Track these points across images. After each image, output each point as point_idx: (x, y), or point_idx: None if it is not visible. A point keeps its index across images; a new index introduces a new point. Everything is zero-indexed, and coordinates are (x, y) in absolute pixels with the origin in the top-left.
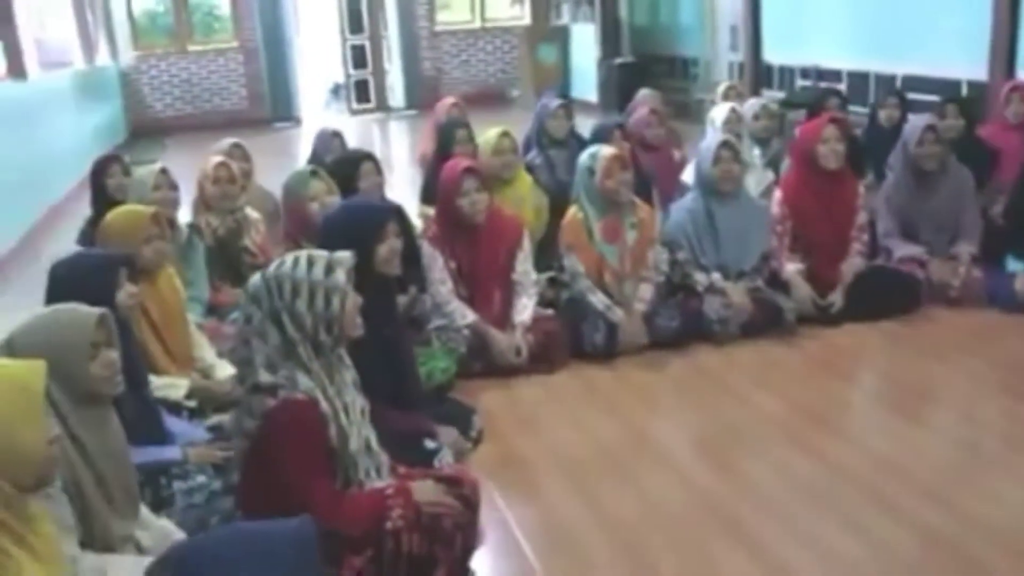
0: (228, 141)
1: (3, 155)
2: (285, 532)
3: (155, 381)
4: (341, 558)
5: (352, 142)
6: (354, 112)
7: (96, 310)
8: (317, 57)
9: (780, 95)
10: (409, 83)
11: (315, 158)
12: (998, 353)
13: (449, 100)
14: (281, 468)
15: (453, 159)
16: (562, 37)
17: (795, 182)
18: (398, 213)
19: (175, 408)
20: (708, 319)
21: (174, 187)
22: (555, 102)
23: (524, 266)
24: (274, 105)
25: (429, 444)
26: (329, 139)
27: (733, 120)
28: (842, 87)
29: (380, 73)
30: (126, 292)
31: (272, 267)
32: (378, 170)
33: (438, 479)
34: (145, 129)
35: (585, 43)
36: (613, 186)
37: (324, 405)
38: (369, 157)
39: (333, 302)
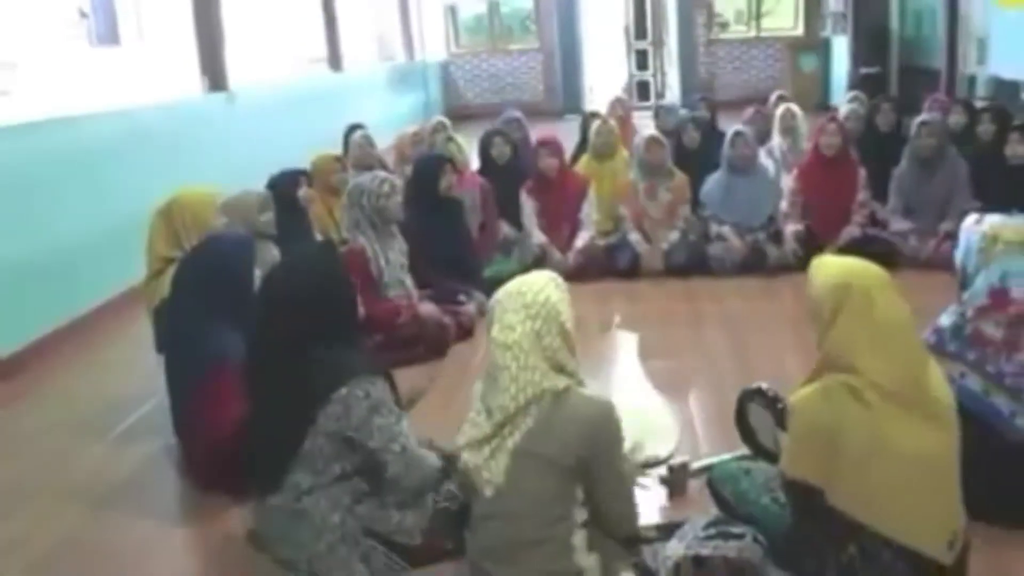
0: (436, 118)
1: (321, 126)
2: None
3: None
4: (371, 332)
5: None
6: (635, 108)
7: (261, 192)
8: (606, 60)
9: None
10: (684, 85)
11: (499, 128)
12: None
13: (614, 97)
14: None
15: (541, 136)
16: (823, 48)
17: (807, 165)
18: (451, 162)
19: None
20: (710, 257)
21: (372, 145)
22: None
23: (586, 210)
24: (565, 99)
25: (461, 298)
26: (510, 119)
27: (787, 117)
28: None
29: (660, 75)
30: (304, 191)
31: (359, 178)
32: (506, 142)
33: (444, 309)
34: (457, 113)
35: (843, 54)
36: (649, 158)
37: (369, 252)
38: (501, 134)
39: (382, 200)
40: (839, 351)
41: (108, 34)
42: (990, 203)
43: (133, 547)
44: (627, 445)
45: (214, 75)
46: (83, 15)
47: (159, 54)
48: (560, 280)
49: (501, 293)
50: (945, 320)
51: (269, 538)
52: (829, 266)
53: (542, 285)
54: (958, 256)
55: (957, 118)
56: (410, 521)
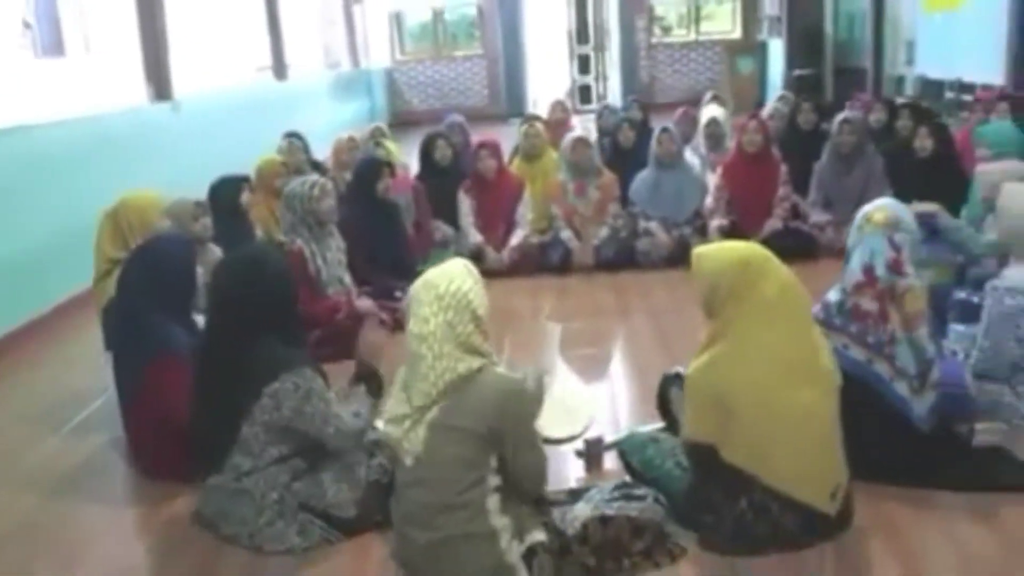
0: (374, 124)
1: (266, 134)
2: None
3: None
4: (311, 328)
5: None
6: (577, 111)
7: (196, 199)
8: (549, 64)
9: None
10: (626, 89)
11: (441, 131)
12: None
13: (555, 100)
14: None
15: (481, 139)
16: (760, 51)
17: (731, 161)
18: (389, 166)
19: None
20: (638, 251)
21: (302, 151)
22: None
23: (521, 210)
24: (509, 104)
25: (398, 294)
26: (454, 124)
27: (712, 124)
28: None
29: (602, 79)
30: (246, 196)
31: (292, 184)
32: (448, 145)
33: (381, 305)
34: (402, 119)
35: (779, 56)
36: (575, 158)
37: (307, 252)
38: (443, 137)
39: (313, 203)
40: (734, 323)
41: (53, 45)
42: (903, 195)
43: (84, 531)
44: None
45: (159, 84)
46: (27, 26)
47: (105, 65)
48: (472, 268)
49: (416, 286)
50: (832, 296)
51: (212, 516)
52: (723, 249)
53: (453, 275)
54: None
55: (878, 116)
56: (344, 495)
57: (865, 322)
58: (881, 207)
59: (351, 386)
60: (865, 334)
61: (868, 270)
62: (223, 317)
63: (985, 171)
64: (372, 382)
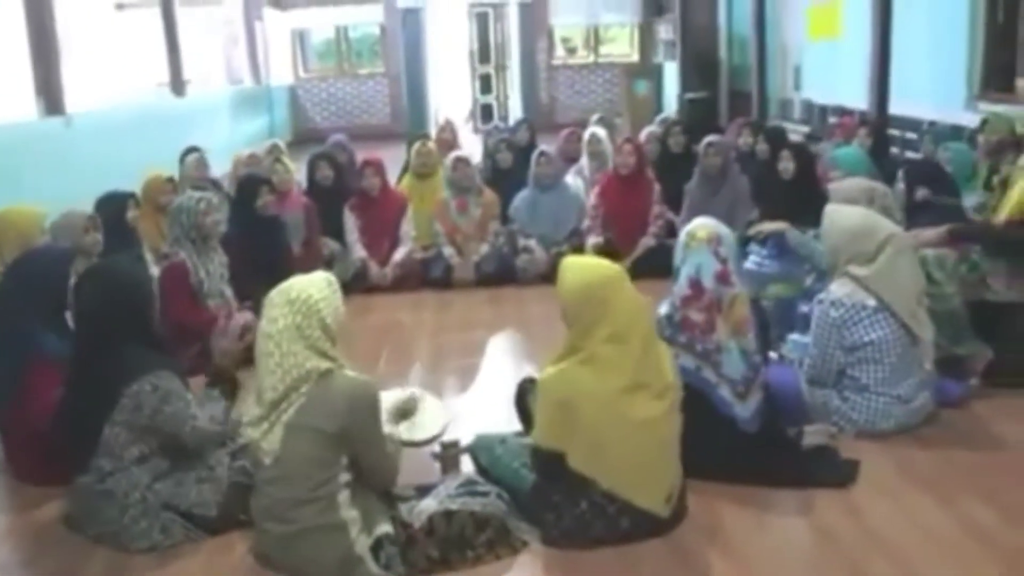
0: (270, 141)
1: (163, 151)
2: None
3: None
4: (188, 343)
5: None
6: (477, 131)
7: (87, 212)
8: (452, 83)
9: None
10: (527, 108)
11: (324, 152)
12: None
13: (445, 122)
14: (165, 293)
15: (365, 157)
16: (656, 73)
17: (607, 181)
18: (267, 183)
19: None
20: (517, 268)
21: (206, 167)
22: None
23: (405, 227)
24: (411, 122)
25: None
26: (338, 144)
27: (593, 142)
28: None
29: (503, 99)
30: (132, 212)
31: (180, 197)
32: (330, 166)
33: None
34: (305, 136)
35: (674, 79)
36: (455, 177)
37: (189, 265)
38: (326, 158)
39: (199, 217)
40: (590, 335)
41: None
42: (767, 213)
43: None
44: (396, 426)
45: (50, 99)
46: None
47: None
48: (332, 281)
49: (272, 292)
50: (662, 310)
51: (79, 517)
52: (584, 266)
53: (308, 285)
54: None
55: (746, 139)
56: (206, 495)
57: (693, 332)
58: (703, 224)
59: (207, 388)
60: (693, 343)
61: (695, 284)
62: (84, 326)
63: (834, 188)
64: (227, 385)
